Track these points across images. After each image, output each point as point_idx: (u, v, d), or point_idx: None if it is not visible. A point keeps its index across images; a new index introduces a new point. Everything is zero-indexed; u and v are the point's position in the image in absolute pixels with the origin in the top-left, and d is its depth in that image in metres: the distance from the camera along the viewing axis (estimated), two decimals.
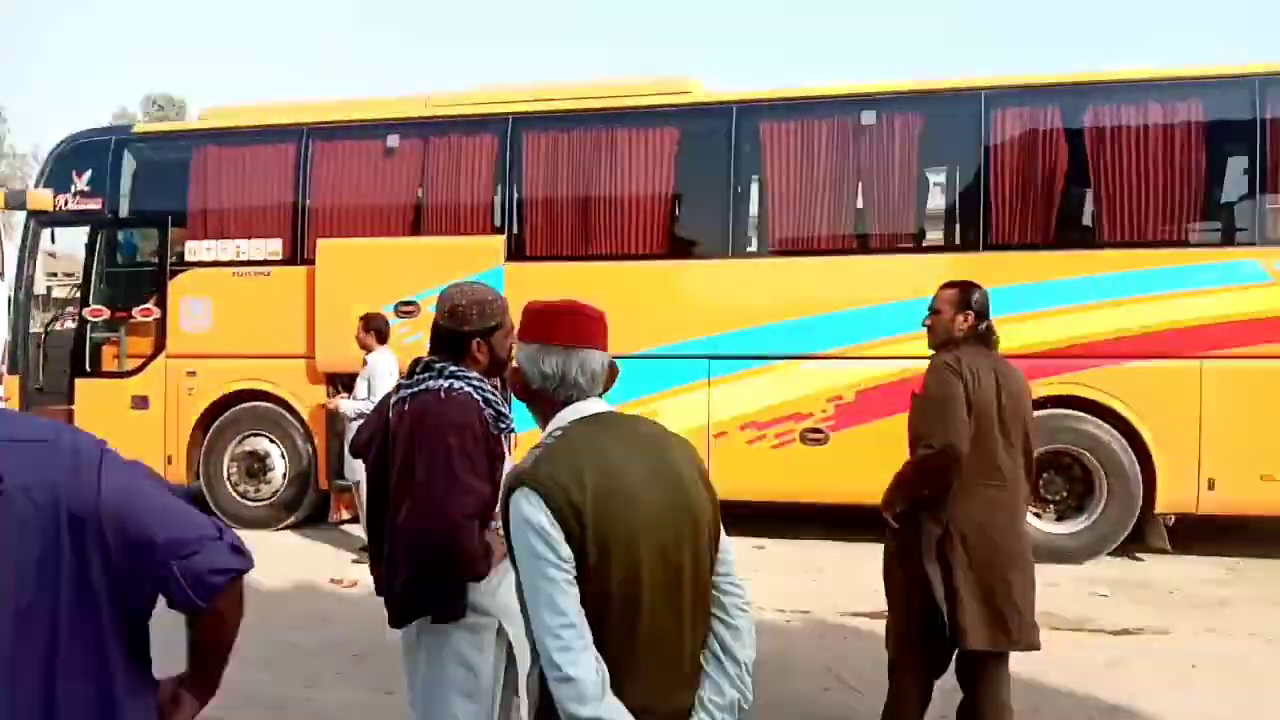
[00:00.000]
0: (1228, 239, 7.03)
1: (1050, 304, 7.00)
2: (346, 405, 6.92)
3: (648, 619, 1.82)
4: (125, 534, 1.61)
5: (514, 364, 2.09)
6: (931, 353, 3.75)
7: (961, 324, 3.66)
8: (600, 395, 2.02)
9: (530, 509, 1.79)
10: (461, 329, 2.84)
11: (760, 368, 7.39)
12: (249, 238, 8.41)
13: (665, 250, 7.79)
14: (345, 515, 8.11)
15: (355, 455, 3.18)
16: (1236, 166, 7.08)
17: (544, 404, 2.01)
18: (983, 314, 3.68)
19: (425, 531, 2.67)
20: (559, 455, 1.85)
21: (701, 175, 7.80)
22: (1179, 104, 6.97)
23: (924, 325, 3.79)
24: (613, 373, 2.06)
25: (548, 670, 1.77)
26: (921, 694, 3.74)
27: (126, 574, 1.63)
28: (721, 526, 2.01)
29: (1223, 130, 6.96)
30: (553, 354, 1.97)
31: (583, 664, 1.74)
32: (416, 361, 2.91)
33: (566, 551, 1.76)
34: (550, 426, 1.98)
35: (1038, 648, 3.68)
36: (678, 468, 1.93)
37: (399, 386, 2.93)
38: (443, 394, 2.76)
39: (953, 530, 3.53)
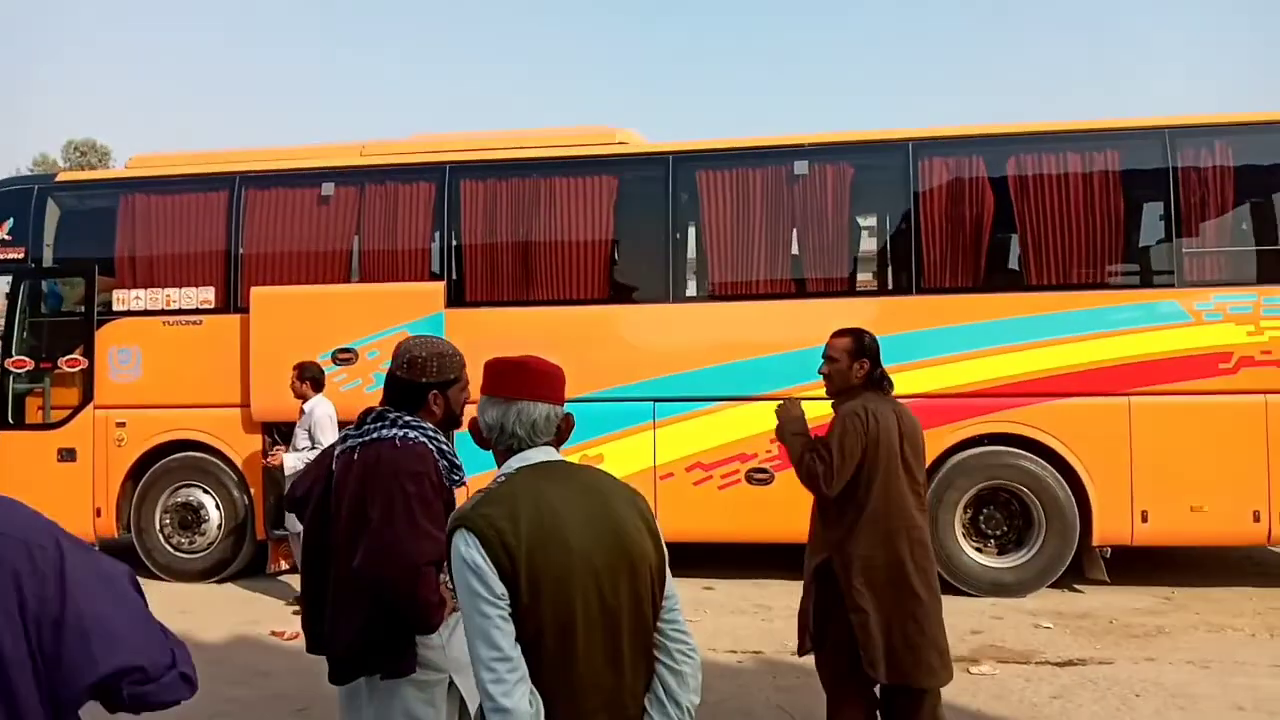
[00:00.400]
0: (1149, 282, 7.33)
1: (982, 345, 7.20)
2: (291, 458, 6.76)
3: (583, 659, 1.89)
4: (82, 652, 1.56)
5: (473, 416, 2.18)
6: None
7: (858, 371, 3.79)
8: (552, 445, 2.09)
9: (466, 549, 1.88)
10: (419, 380, 2.82)
11: (704, 409, 7.44)
12: (180, 286, 8.22)
13: (606, 295, 7.83)
14: (284, 566, 7.87)
15: (291, 508, 3.09)
16: (1153, 213, 7.40)
17: (494, 452, 2.10)
18: (876, 359, 3.83)
19: (384, 574, 2.60)
20: (498, 499, 1.94)
21: (640, 223, 7.88)
22: (1098, 154, 7.29)
23: (821, 374, 3.89)
24: (567, 423, 2.13)
25: (484, 702, 1.84)
26: None
27: (65, 679, 1.56)
28: (668, 573, 2.07)
29: (1139, 178, 7.29)
30: (494, 405, 2.08)
31: (516, 696, 1.81)
32: (368, 411, 2.87)
33: (501, 589, 1.85)
34: (498, 473, 2.06)
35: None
36: (618, 515, 2.00)
37: (345, 437, 2.88)
38: (398, 442, 2.73)
39: (878, 575, 3.63)
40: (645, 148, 8.17)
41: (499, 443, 2.07)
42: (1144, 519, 6.94)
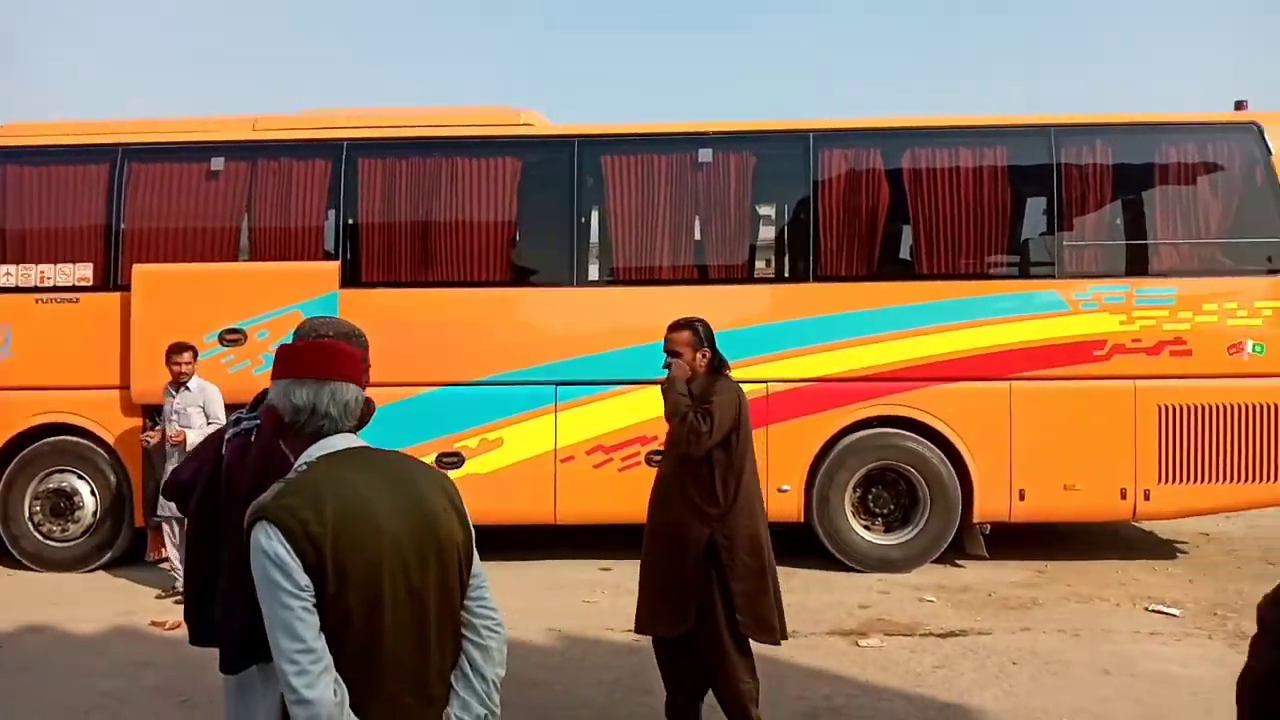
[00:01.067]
0: (1032, 272, 7.68)
1: (874, 331, 7.42)
2: (196, 436, 6.47)
3: (390, 643, 1.91)
4: None
5: (267, 403, 2.12)
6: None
7: (701, 360, 4.06)
8: (354, 430, 2.09)
9: (267, 541, 1.85)
10: None
11: (606, 393, 7.45)
12: (55, 263, 7.80)
13: (509, 278, 7.78)
14: (164, 554, 7.56)
15: (172, 495, 3.00)
16: (1037, 207, 7.73)
17: (295, 439, 2.06)
18: (714, 345, 4.09)
19: None
20: (300, 489, 1.92)
21: (544, 206, 7.84)
22: (987, 149, 7.59)
23: (666, 368, 4.11)
24: (369, 408, 2.12)
25: (286, 694, 1.84)
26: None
27: None
28: (475, 553, 2.11)
29: (1026, 174, 7.61)
30: (304, 386, 2.04)
31: (320, 686, 1.81)
32: (264, 393, 2.80)
33: (305, 580, 1.83)
34: (298, 462, 2.02)
35: None
36: (426, 499, 2.02)
37: (238, 419, 2.84)
38: None
39: (758, 545, 3.95)
40: (550, 130, 8.13)
41: (307, 426, 2.03)
42: (1021, 497, 7.29)
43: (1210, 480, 7.16)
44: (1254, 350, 7.26)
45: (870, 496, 7.54)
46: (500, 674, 2.09)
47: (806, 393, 7.39)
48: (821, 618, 6.21)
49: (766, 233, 8.58)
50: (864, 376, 7.40)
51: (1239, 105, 7.86)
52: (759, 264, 8.29)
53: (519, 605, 6.32)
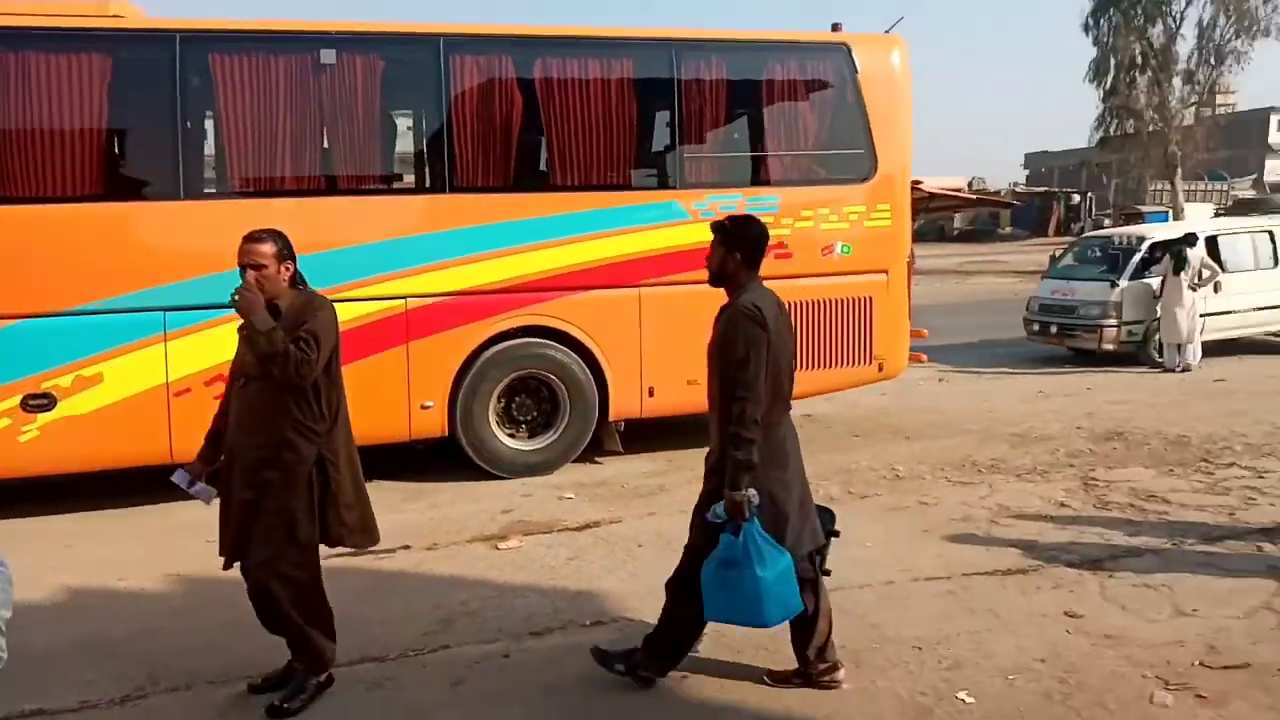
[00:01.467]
0: (657, 184, 8.08)
1: (512, 243, 7.46)
2: None
3: None
4: None
5: None
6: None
7: (285, 274, 3.81)
8: None
9: None
10: None
11: (226, 316, 6.84)
12: None
13: (101, 192, 6.82)
14: None
15: None
16: (662, 120, 8.11)
17: None
18: (294, 257, 3.88)
19: None
20: None
21: (142, 110, 6.97)
22: (615, 62, 7.79)
23: (246, 288, 3.72)
24: None
25: None
26: None
27: None
28: None
29: (651, 87, 7.91)
30: None
31: None
32: None
33: None
34: None
35: None
36: None
37: None
38: None
39: (353, 458, 3.95)
40: (146, 24, 7.20)
41: None
42: (651, 394, 7.79)
43: (809, 367, 7.99)
44: (842, 251, 8.21)
45: (514, 405, 7.68)
46: (6, 616, 1.98)
47: (447, 307, 7.32)
48: (464, 526, 6.31)
49: (403, 143, 8.28)
50: (504, 288, 7.46)
51: (835, 27, 8.66)
52: (393, 174, 8.03)
53: (138, 554, 5.87)
